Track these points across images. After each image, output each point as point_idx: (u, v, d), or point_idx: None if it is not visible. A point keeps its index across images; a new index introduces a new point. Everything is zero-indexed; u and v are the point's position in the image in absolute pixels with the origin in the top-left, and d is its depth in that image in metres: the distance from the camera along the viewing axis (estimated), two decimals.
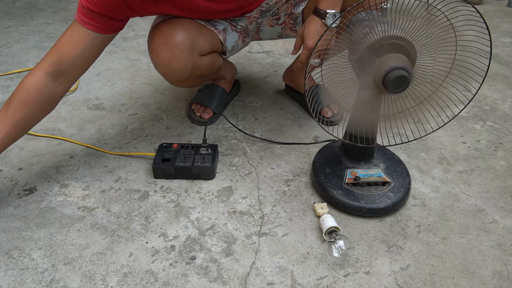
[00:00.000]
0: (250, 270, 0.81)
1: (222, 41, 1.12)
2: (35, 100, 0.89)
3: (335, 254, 0.81)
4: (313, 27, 0.96)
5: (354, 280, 0.79)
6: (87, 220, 0.92)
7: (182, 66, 1.02)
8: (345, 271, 0.81)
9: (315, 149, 1.13)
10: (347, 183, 0.95)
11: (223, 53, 1.18)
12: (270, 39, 1.28)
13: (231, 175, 1.06)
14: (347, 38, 0.81)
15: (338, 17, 0.90)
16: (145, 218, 0.93)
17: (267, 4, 1.10)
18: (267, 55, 1.74)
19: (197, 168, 1.02)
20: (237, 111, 1.34)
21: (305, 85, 0.85)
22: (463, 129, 1.26)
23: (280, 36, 1.25)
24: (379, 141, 1.01)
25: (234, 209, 0.95)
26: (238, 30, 1.19)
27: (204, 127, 1.18)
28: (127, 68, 1.65)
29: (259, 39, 1.27)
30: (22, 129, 0.91)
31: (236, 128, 1.24)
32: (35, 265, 0.82)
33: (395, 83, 0.73)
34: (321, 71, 0.86)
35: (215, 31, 1.10)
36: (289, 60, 1.68)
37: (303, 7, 1.13)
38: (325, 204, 0.94)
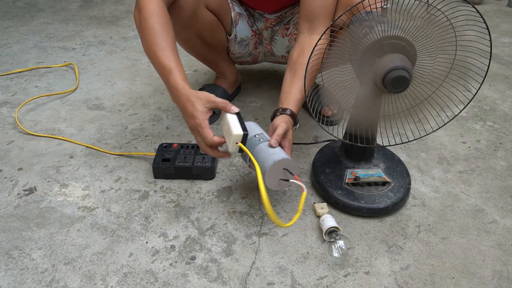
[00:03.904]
0: (250, 270, 0.81)
1: (233, 20, 1.18)
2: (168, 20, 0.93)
3: (335, 254, 0.81)
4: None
5: (354, 280, 0.79)
6: (87, 220, 0.92)
7: (184, 1, 1.05)
8: (345, 271, 0.81)
9: (315, 149, 1.13)
10: (347, 183, 0.95)
11: (228, 34, 1.21)
12: (281, 56, 1.32)
13: (231, 175, 1.06)
14: (347, 38, 0.81)
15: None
16: (145, 218, 0.93)
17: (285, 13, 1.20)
18: None
19: (197, 168, 1.02)
20: None
21: (305, 85, 0.85)
22: (463, 129, 1.26)
23: (288, 52, 1.28)
24: (379, 141, 1.01)
25: (234, 209, 0.95)
26: (254, 30, 1.25)
27: None
28: (127, 68, 1.65)
29: (271, 52, 1.31)
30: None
31: None
32: (35, 265, 0.82)
33: (395, 83, 0.73)
34: (321, 71, 0.86)
35: (230, 5, 1.18)
36: None
37: None
38: (325, 204, 0.94)
